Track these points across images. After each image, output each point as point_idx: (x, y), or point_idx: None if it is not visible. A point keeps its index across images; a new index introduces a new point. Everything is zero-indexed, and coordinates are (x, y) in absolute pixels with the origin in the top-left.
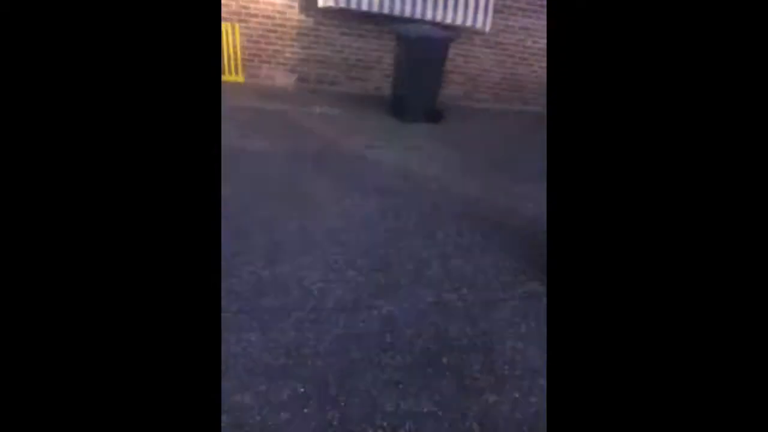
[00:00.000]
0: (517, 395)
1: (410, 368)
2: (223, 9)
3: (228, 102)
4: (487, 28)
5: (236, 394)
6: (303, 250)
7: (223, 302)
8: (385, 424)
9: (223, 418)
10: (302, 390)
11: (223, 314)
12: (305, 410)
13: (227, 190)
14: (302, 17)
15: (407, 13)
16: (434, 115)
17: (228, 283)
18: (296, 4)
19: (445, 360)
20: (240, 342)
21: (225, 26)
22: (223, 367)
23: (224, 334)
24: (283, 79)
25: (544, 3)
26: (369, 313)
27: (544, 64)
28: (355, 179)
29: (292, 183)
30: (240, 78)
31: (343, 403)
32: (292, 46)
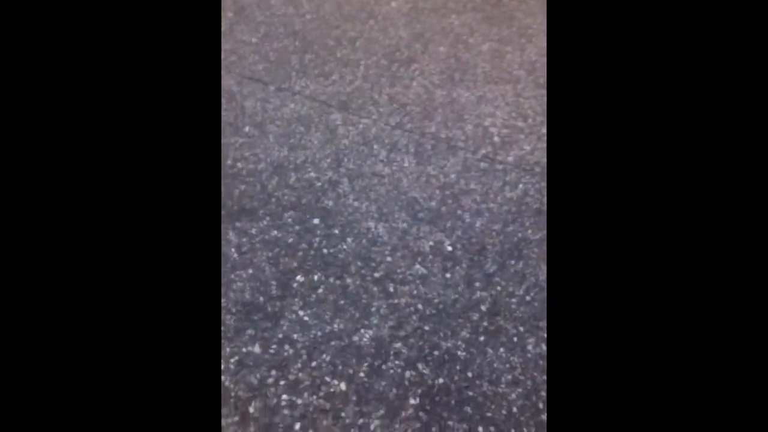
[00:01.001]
0: None
1: None
2: None
3: None
4: None
5: (368, 220)
6: (493, 80)
7: (383, 111)
8: None
9: (348, 240)
10: (449, 249)
11: (378, 125)
12: (447, 274)
13: None
14: None
15: None
16: None
17: (393, 91)
18: None
19: None
20: (390, 161)
21: None
22: (362, 183)
23: (374, 146)
24: None
25: None
26: None
27: None
28: None
29: None
30: None
31: (499, 288)
32: None
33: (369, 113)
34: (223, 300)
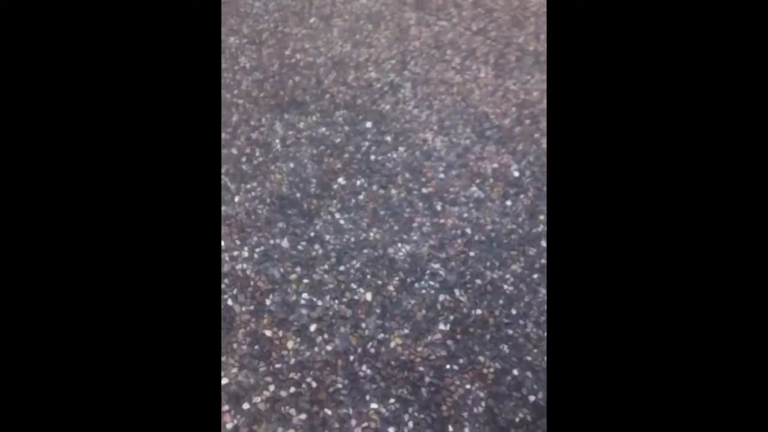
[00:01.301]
0: None
1: None
2: None
3: None
4: None
5: (426, 131)
6: None
7: (465, 14)
8: None
9: (399, 149)
10: (516, 174)
11: (456, 29)
12: (507, 201)
13: None
14: None
15: None
16: None
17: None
18: None
19: None
20: (463, 69)
21: None
22: (426, 90)
23: (448, 51)
24: None
25: None
26: None
27: None
28: None
29: None
30: None
31: None
32: None
33: (449, 15)
34: (258, 189)
